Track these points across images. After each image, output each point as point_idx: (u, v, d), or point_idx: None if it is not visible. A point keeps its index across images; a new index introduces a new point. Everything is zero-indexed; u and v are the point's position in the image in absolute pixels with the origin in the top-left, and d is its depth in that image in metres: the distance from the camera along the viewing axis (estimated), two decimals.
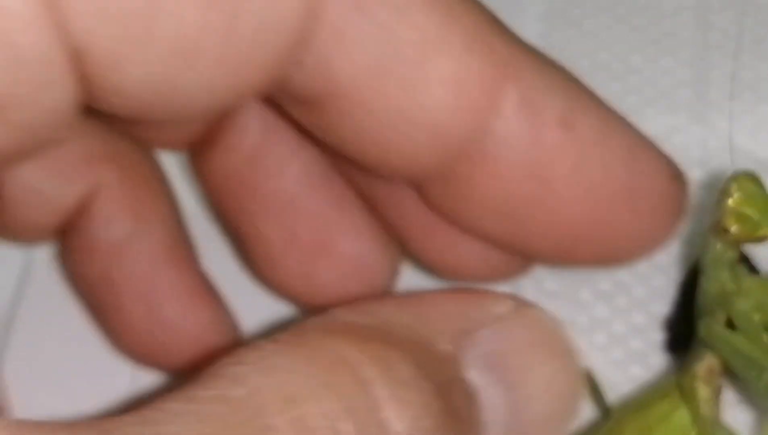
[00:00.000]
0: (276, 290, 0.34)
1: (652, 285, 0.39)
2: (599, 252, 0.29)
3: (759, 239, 0.31)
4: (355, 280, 0.33)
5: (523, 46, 0.27)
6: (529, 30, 0.46)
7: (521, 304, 0.25)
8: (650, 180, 0.29)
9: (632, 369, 0.38)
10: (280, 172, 0.32)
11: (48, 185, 0.33)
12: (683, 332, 0.38)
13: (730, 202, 0.30)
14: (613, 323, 0.39)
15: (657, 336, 0.38)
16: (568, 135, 0.26)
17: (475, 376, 0.24)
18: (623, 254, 0.30)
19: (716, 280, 0.32)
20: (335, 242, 0.33)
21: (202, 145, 0.33)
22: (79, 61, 0.22)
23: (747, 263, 0.38)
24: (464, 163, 0.26)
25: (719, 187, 0.31)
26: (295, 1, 0.24)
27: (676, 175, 0.29)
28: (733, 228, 0.31)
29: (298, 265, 0.33)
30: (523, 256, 0.31)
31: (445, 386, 0.23)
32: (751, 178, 0.31)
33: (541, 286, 0.39)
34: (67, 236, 0.35)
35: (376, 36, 0.24)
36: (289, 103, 0.27)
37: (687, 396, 0.32)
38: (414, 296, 0.25)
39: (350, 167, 0.31)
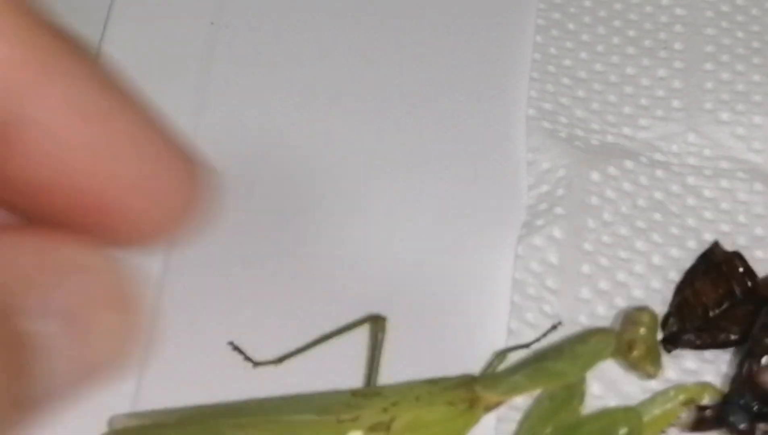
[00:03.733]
0: None
1: (649, 286, 0.40)
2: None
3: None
4: None
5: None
6: (528, 41, 0.47)
7: (102, 256, 0.26)
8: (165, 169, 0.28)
9: None
10: None
11: None
12: (679, 331, 0.39)
13: (642, 331, 0.36)
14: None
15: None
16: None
17: (39, 324, 0.24)
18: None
19: None
20: None
21: None
22: None
23: (745, 266, 0.39)
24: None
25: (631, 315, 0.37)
26: None
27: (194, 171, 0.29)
28: (635, 353, 0.36)
29: None
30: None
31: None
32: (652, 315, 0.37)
33: (543, 284, 0.40)
34: None
35: None
36: None
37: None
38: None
39: None
